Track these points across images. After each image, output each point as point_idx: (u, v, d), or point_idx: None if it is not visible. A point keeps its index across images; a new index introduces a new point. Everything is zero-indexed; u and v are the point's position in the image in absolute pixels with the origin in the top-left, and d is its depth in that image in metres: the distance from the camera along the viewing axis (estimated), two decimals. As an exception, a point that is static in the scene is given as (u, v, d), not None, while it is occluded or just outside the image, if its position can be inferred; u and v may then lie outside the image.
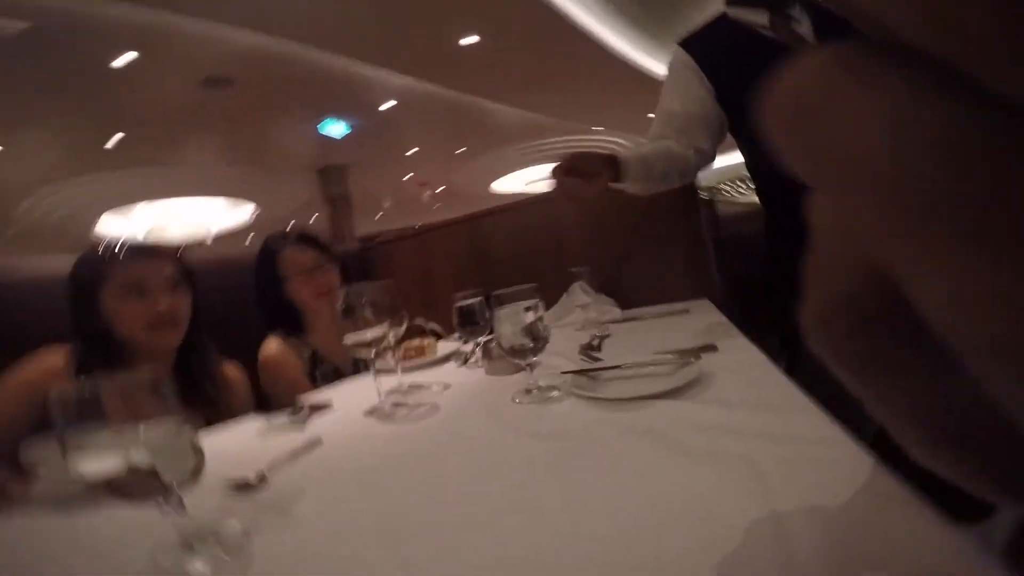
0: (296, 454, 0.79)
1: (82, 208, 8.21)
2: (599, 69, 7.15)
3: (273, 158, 8.03)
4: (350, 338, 0.90)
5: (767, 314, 1.34)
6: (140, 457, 0.48)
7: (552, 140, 10.05)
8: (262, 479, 0.71)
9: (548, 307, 1.48)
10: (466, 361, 1.22)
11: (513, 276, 2.03)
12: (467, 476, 0.61)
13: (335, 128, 7.19)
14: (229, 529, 0.57)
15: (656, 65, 7.30)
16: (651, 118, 1.30)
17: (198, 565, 0.51)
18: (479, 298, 1.14)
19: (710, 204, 2.14)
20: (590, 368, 0.87)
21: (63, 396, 0.46)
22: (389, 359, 1.29)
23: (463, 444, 0.74)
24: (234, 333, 1.35)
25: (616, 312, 1.48)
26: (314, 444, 0.83)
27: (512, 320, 0.82)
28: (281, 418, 1.00)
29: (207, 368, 1.20)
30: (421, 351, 1.36)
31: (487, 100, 7.59)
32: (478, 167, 11.14)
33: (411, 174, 10.77)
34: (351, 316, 0.91)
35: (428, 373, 1.24)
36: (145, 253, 1.12)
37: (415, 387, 1.09)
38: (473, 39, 6.05)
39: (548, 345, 0.85)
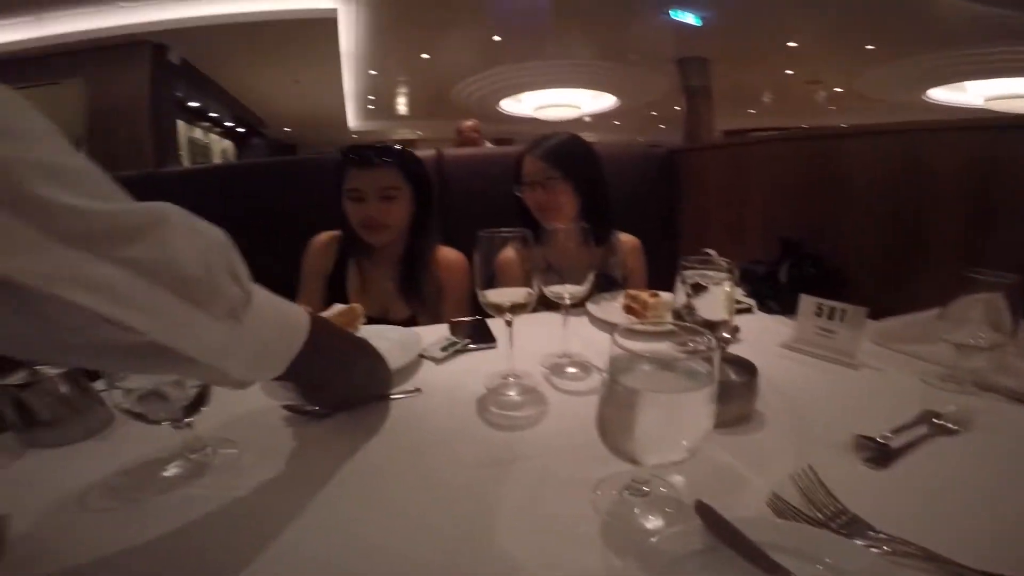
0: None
1: (491, 93, 10.66)
2: None
3: (631, 51, 8.15)
4: (491, 294, 0.75)
5: None
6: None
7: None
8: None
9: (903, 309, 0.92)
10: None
11: (858, 234, 1.36)
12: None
13: (685, 17, 6.82)
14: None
15: None
16: None
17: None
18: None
19: None
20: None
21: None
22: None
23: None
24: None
25: None
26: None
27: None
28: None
29: (425, 262, 1.33)
30: (643, 307, 1.03)
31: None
32: (899, 70, 8.40)
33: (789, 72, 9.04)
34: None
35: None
36: (364, 164, 1.25)
37: (567, 362, 0.87)
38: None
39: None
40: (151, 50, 5.93)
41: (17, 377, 0.69)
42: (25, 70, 5.43)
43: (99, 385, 0.74)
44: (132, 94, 5.81)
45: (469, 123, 4.33)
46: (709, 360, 0.42)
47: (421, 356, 0.91)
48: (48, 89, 5.60)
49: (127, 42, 5.74)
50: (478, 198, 1.51)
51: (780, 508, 0.49)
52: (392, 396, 0.76)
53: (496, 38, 7.57)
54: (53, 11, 5.33)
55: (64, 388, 0.70)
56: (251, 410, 0.74)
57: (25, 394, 0.67)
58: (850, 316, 0.84)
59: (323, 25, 6.42)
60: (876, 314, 0.89)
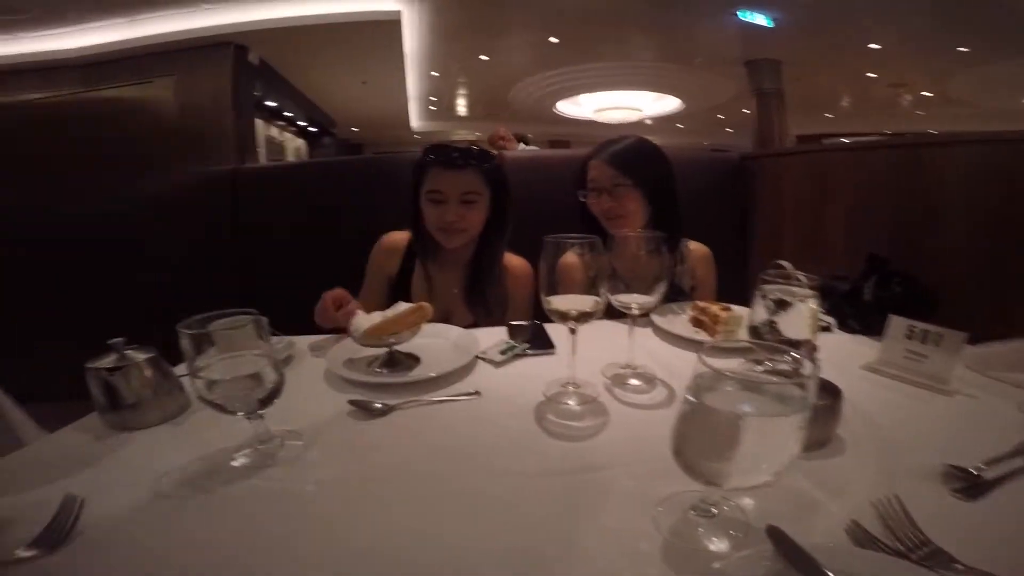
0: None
1: (547, 95, 10.61)
2: None
3: (697, 53, 7.89)
4: (557, 301, 0.73)
5: None
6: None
7: None
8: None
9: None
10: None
11: (952, 252, 1.25)
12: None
13: (755, 18, 6.49)
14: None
15: None
16: None
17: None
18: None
19: None
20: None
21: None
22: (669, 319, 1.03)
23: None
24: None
25: None
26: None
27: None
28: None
29: (493, 269, 1.32)
30: (714, 321, 0.99)
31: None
32: (996, 73, 7.71)
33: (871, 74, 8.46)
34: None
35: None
36: (449, 165, 1.23)
37: (630, 374, 0.85)
38: None
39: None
40: (233, 51, 6.31)
41: (107, 361, 0.73)
42: (119, 70, 5.92)
43: (180, 370, 0.78)
44: (216, 92, 6.20)
45: (500, 131, 4.60)
46: (803, 385, 0.40)
47: (478, 358, 0.91)
48: (142, 87, 6.08)
49: (212, 43, 6.13)
50: (536, 201, 1.50)
51: (858, 536, 0.46)
52: (452, 398, 0.77)
53: (553, 40, 7.52)
54: (144, 13, 5.76)
55: (149, 372, 0.74)
56: (318, 403, 0.77)
57: (114, 377, 0.72)
58: (947, 341, 0.77)
59: (388, 27, 6.64)
60: (972, 339, 0.81)
